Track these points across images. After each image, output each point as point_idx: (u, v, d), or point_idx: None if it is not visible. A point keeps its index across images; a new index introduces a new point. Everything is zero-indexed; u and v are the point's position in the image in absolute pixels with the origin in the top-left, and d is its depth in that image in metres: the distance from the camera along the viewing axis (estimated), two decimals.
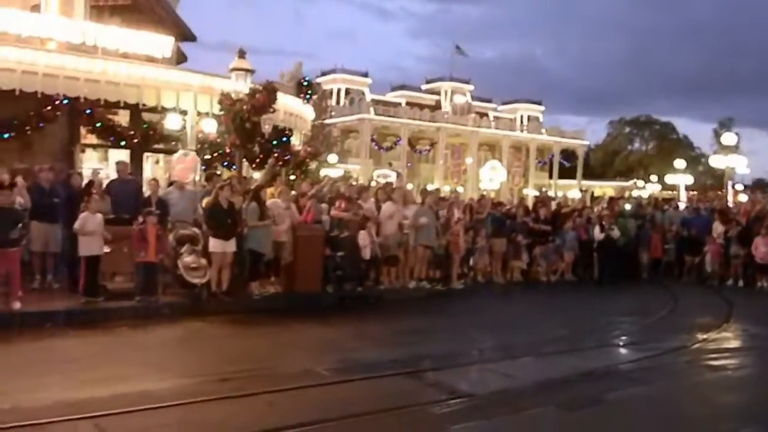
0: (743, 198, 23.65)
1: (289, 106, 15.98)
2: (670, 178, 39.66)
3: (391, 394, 5.74)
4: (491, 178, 43.25)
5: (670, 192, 41.03)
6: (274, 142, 14.68)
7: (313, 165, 19.45)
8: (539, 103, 61.42)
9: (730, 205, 20.39)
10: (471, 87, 56.15)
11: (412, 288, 11.91)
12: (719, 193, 28.28)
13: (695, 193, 32.02)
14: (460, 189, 47.36)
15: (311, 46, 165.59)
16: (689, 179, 36.47)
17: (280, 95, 13.48)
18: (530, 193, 48.66)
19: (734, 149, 27.15)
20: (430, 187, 34.88)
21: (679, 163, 36.71)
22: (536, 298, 12.38)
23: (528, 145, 56.22)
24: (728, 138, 27.01)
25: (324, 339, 8.11)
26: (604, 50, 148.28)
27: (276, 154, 14.97)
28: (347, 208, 11.40)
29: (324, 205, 11.57)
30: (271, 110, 12.78)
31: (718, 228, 14.53)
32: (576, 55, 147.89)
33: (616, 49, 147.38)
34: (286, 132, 15.90)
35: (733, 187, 25.84)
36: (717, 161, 28.14)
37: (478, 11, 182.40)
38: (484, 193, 32.61)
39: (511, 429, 5.08)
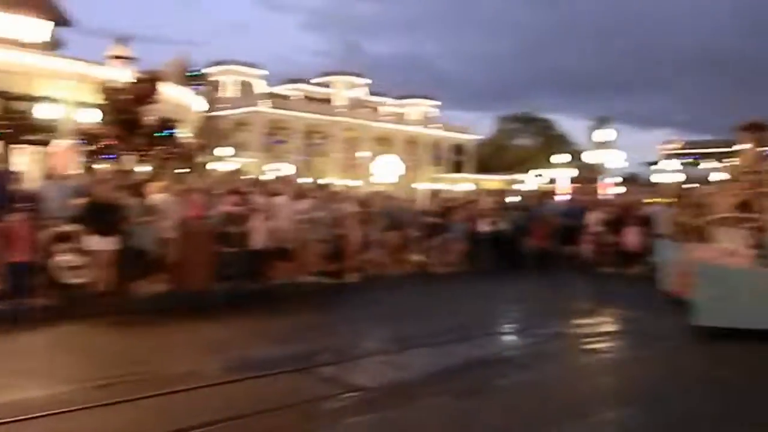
0: (613, 191, 25.21)
1: (175, 97, 15.36)
2: (552, 172, 41.71)
3: (283, 392, 5.62)
4: (385, 172, 43.71)
5: (553, 185, 43.13)
6: (159, 134, 14.06)
7: (202, 158, 18.84)
8: (432, 99, 62.73)
9: (602, 197, 21.70)
10: (364, 81, 56.45)
11: (306, 283, 11.77)
12: (594, 186, 30.07)
13: (578, 185, 33.84)
14: (355, 183, 47.53)
15: (202, 36, 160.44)
16: (573, 173, 38.52)
17: (164, 85, 12.91)
18: (424, 186, 49.59)
19: (610, 145, 28.93)
20: (324, 181, 34.76)
21: (560, 158, 38.70)
22: (429, 289, 12.60)
23: (421, 139, 57.29)
24: (600, 134, 28.72)
25: (214, 338, 7.83)
26: (496, 48, 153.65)
27: (161, 147, 14.35)
28: (238, 203, 11.10)
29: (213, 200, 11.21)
30: (155, 101, 12.22)
31: (592, 219, 15.38)
32: (468, 52, 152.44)
33: (506, 47, 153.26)
34: (172, 124, 15.27)
35: (604, 180, 27.51)
36: (590, 156, 29.91)
37: (372, 6, 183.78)
38: (379, 187, 32.92)
39: (402, 420, 5.10)
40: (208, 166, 28.95)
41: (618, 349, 7.92)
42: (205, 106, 31.33)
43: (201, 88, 19.56)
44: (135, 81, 11.87)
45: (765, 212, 9.19)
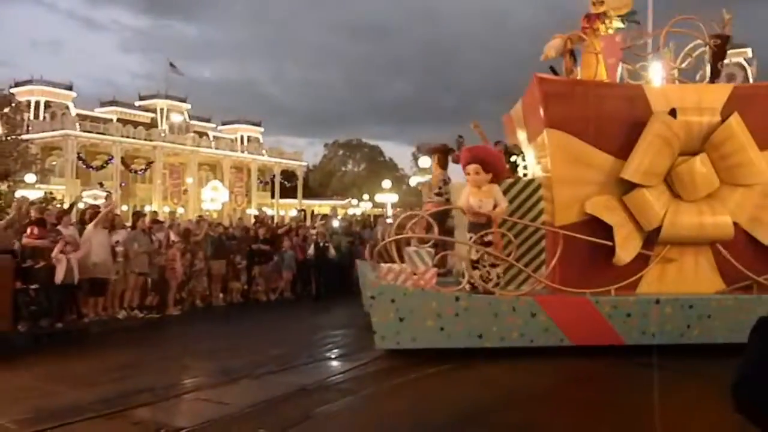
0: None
1: None
2: (379, 197, 43.13)
3: None
4: (212, 199, 42.61)
5: (380, 209, 44.57)
6: None
7: (4, 185, 17.10)
8: (259, 125, 62.34)
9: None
10: (188, 106, 54.81)
11: (123, 318, 11.11)
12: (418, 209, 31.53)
13: (400, 209, 35.28)
14: (180, 210, 45.71)
15: (8, 54, 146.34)
16: (395, 198, 40.13)
17: None
18: (251, 212, 48.94)
19: (430, 171, 30.58)
20: (147, 209, 33.07)
21: (386, 183, 40.20)
22: (256, 318, 12.41)
23: (249, 165, 56.56)
24: (424, 161, 30.33)
25: (13, 385, 7.08)
26: (322, 76, 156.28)
27: None
28: (42, 235, 10.21)
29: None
30: None
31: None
32: (295, 79, 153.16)
33: (333, 76, 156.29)
34: None
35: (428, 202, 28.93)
36: (414, 181, 31.46)
37: (196, 29, 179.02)
38: (205, 213, 31.92)
39: None
40: (14, 194, 26.34)
41: (436, 366, 8.31)
42: (8, 128, 28.57)
43: (2, 109, 17.73)
44: None
45: (448, 231, 9.77)
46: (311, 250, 15.00)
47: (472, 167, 8.13)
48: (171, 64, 53.30)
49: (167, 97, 53.25)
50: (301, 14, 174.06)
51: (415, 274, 8.24)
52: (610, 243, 8.14)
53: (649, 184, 8.17)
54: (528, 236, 8.76)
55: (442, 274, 9.15)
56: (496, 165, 8.43)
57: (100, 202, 27.72)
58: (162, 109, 53.05)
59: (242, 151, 56.28)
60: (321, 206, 58.06)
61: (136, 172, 48.22)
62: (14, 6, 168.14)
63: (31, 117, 45.35)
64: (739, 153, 8.16)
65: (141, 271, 11.59)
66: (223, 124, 60.46)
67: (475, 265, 8.02)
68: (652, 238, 8.33)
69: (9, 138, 30.40)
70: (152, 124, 51.69)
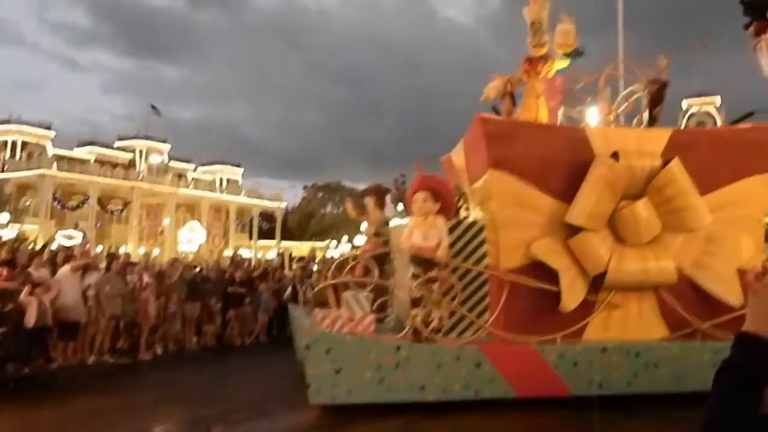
0: None
1: None
2: (358, 240, 43.07)
3: None
4: (190, 240, 42.22)
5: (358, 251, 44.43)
6: None
7: None
8: (238, 166, 62.31)
9: None
10: (168, 146, 54.70)
11: (92, 363, 10.84)
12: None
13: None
14: (156, 251, 45.20)
15: None
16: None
17: None
18: (228, 254, 48.54)
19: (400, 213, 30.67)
20: (122, 250, 32.65)
21: (364, 226, 40.19)
22: (230, 362, 12.18)
23: (228, 206, 56.31)
24: (401, 204, 30.43)
25: None
26: (303, 119, 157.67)
27: None
28: (11, 276, 10.01)
29: None
30: None
31: None
32: (275, 121, 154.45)
33: (313, 119, 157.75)
34: None
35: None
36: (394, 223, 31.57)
37: (178, 72, 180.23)
38: (181, 255, 31.58)
39: None
40: None
41: None
42: None
43: None
44: None
45: (387, 275, 9.21)
46: (288, 292, 14.86)
47: (420, 194, 7.73)
48: (152, 106, 53.34)
49: (147, 137, 53.15)
50: (283, 58, 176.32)
51: (352, 320, 7.60)
52: (555, 288, 7.84)
53: (594, 227, 7.93)
54: (471, 280, 8.24)
55: (381, 319, 8.53)
56: (447, 196, 8.08)
57: (74, 242, 27.35)
58: (141, 150, 52.87)
59: (221, 192, 56.11)
60: (300, 248, 57.81)
61: (112, 212, 47.72)
62: None
63: (7, 156, 44.92)
64: (681, 197, 8.02)
65: (113, 313, 11.37)
66: (203, 165, 60.37)
67: (416, 303, 7.41)
68: (597, 283, 8.06)
69: None
70: (131, 165, 51.43)
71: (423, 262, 7.58)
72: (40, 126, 48.50)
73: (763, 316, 1.74)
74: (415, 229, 7.70)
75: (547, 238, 8.01)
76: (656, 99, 8.77)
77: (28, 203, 45.06)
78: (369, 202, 9.85)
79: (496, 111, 8.78)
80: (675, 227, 8.14)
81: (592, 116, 9.36)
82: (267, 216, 59.19)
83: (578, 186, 7.87)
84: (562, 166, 8.01)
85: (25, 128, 47.38)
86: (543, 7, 8.78)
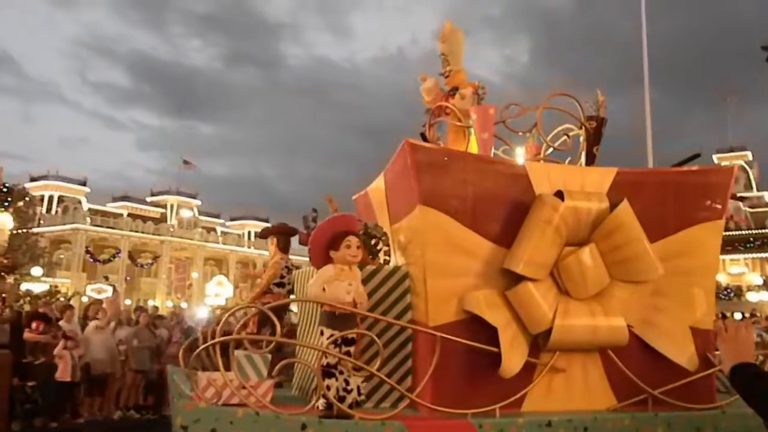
0: None
1: None
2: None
3: None
4: (217, 294, 42.43)
5: None
6: None
7: (11, 278, 17.17)
8: (267, 221, 62.97)
9: None
10: (198, 202, 55.78)
11: (118, 418, 10.79)
12: None
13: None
14: (184, 304, 45.47)
15: (36, 151, 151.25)
16: None
17: None
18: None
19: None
20: (150, 303, 32.92)
21: None
22: None
23: (255, 260, 56.74)
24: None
25: None
26: (333, 175, 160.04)
27: None
28: (45, 330, 10.12)
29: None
30: None
31: None
32: (306, 177, 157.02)
33: (343, 174, 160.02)
34: None
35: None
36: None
37: (211, 128, 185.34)
38: (212, 308, 31.70)
39: None
40: (20, 287, 26.33)
41: None
42: (19, 222, 29.01)
43: (14, 203, 18.22)
44: None
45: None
46: None
47: (354, 240, 5.92)
48: (184, 161, 54.71)
49: (178, 193, 54.30)
50: (314, 114, 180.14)
51: (244, 387, 5.18)
52: (494, 349, 6.21)
53: (536, 276, 6.58)
54: (391, 338, 6.45)
55: (278, 384, 6.27)
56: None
57: (104, 296, 27.67)
58: (172, 205, 53.96)
59: (249, 247, 56.64)
60: None
61: (142, 266, 48.42)
62: (45, 107, 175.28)
63: (44, 211, 46.13)
64: (631, 245, 6.84)
65: (140, 368, 11.36)
66: (232, 219, 61.26)
67: (331, 371, 5.29)
68: (538, 343, 6.58)
69: (19, 231, 30.80)
70: (162, 219, 52.43)
71: (343, 320, 6.13)
72: (76, 182, 49.90)
73: (734, 352, 2.08)
74: (337, 280, 6.13)
75: (483, 288, 6.63)
76: (595, 137, 7.88)
77: (62, 256, 45.95)
78: (270, 243, 8.07)
79: (424, 138, 7.63)
80: (623, 278, 6.91)
81: (523, 151, 8.19)
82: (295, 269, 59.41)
83: (518, 228, 6.61)
84: (500, 204, 6.74)
85: (61, 184, 48.78)
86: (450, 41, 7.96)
